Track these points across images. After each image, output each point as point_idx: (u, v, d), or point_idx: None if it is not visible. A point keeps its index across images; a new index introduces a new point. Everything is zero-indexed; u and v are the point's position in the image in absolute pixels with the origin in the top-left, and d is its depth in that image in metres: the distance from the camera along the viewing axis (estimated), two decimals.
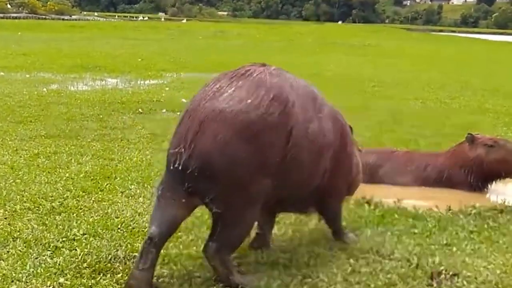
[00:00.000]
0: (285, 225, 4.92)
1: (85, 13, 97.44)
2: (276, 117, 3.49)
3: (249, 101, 3.45)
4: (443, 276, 4.05)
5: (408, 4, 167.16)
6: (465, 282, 3.99)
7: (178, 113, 10.18)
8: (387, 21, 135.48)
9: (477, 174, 6.43)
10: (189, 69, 18.44)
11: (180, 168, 3.41)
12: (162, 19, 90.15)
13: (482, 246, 4.69)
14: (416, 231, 4.95)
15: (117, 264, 4.03)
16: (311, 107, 3.80)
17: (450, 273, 4.09)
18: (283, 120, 3.53)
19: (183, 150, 3.41)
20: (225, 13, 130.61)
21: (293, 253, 4.32)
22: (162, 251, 4.06)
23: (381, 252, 4.43)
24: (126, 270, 3.92)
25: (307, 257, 4.27)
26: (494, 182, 6.55)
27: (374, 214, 5.33)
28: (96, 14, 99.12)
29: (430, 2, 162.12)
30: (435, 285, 3.97)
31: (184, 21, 78.39)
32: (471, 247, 4.64)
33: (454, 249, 4.59)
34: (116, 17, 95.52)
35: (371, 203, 5.65)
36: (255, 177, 3.49)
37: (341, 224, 4.67)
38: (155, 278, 3.79)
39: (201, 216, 4.95)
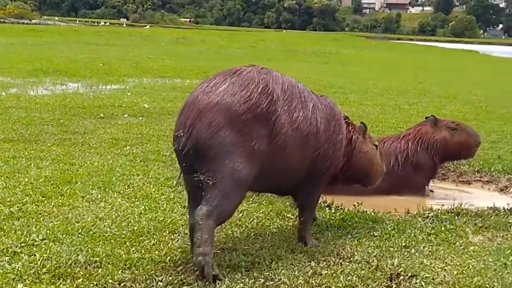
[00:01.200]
0: (247, 228, 4.96)
1: (45, 17, 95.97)
2: (263, 108, 4.01)
3: (241, 94, 3.97)
4: (401, 277, 4.13)
5: (368, 12, 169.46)
6: (423, 283, 4.07)
7: (140, 118, 10.27)
8: (347, 29, 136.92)
9: (441, 155, 6.72)
10: (151, 75, 18.35)
11: (179, 148, 3.91)
12: (124, 25, 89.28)
13: (439, 248, 4.80)
14: (375, 234, 5.04)
15: (78, 269, 3.99)
16: (296, 99, 4.29)
17: (409, 274, 4.17)
18: (269, 110, 4.04)
19: (182, 134, 3.92)
20: (187, 20, 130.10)
21: (255, 256, 4.35)
22: (123, 255, 4.04)
23: (341, 255, 4.50)
24: (87, 275, 3.89)
25: (269, 260, 4.30)
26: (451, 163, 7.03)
27: (335, 218, 5.41)
28: (56, 18, 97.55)
29: (388, 11, 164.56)
30: (394, 286, 4.04)
31: (148, 27, 77.73)
32: (429, 249, 4.75)
33: (413, 251, 4.69)
34: (77, 22, 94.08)
35: (332, 207, 5.73)
36: (243, 159, 3.93)
37: (311, 217, 4.86)
38: (116, 283, 3.78)
39: (163, 220, 4.97)
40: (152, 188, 5.97)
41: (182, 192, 5.87)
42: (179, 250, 4.37)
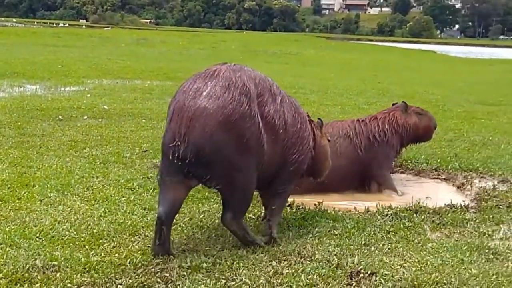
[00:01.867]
0: (209, 229, 4.95)
1: (2, 18, 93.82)
2: (245, 106, 4.24)
3: (224, 97, 4.19)
4: (361, 275, 4.18)
5: (327, 13, 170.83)
6: (382, 280, 4.13)
7: (100, 120, 10.14)
8: (307, 30, 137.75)
9: (411, 138, 7.21)
10: (111, 76, 18.14)
11: (180, 157, 4.11)
12: (83, 26, 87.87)
13: (398, 245, 4.88)
14: (336, 232, 5.09)
15: (35, 273, 3.92)
16: (267, 93, 4.53)
17: (368, 272, 4.23)
18: (250, 107, 4.28)
19: (179, 143, 4.11)
20: (148, 21, 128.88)
21: (216, 257, 4.35)
22: (82, 259, 4.00)
23: (302, 254, 4.53)
24: (45, 280, 3.83)
25: (231, 260, 4.31)
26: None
27: (296, 217, 5.44)
28: (14, 20, 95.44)
29: (348, 12, 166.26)
30: (354, 284, 4.09)
31: (109, 28, 76.69)
32: (388, 247, 4.82)
33: (372, 248, 4.75)
34: (35, 23, 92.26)
35: (293, 206, 5.77)
36: (241, 155, 4.24)
37: (281, 209, 5.09)
38: (75, 287, 3.74)
39: (123, 222, 4.92)
40: (112, 190, 5.91)
41: (143, 194, 5.85)
42: (139, 252, 4.34)
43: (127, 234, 4.70)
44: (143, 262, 4.19)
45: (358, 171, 6.83)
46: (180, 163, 4.14)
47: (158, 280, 3.94)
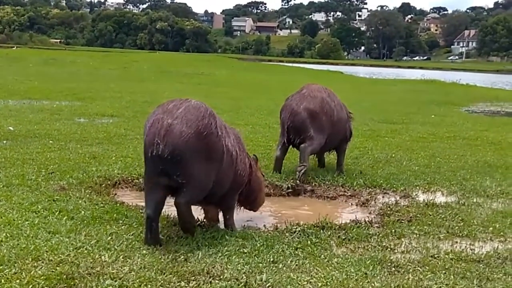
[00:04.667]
0: (116, 251, 4.86)
1: None
2: (213, 126, 5.20)
3: (198, 113, 5.14)
4: None
5: (239, 34, 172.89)
6: None
7: (5, 142, 9.75)
8: (219, 50, 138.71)
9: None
10: (18, 97, 17.54)
11: (158, 154, 4.94)
12: None
13: (305, 261, 4.99)
14: (245, 250, 5.14)
15: None
16: (224, 128, 5.55)
17: None
18: (216, 129, 5.23)
19: (159, 141, 4.94)
20: (58, 40, 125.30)
21: (123, 279, 4.28)
22: None
23: (211, 273, 4.54)
24: None
25: (138, 282, 4.26)
26: None
27: (205, 236, 5.45)
28: None
29: (259, 33, 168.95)
30: None
31: (16, 48, 73.82)
32: (296, 263, 4.92)
33: (280, 265, 4.84)
34: None
35: (204, 225, 5.78)
36: (206, 160, 5.14)
37: (232, 215, 6.03)
38: None
39: (26, 247, 4.75)
40: (15, 214, 5.68)
41: (48, 217, 5.68)
42: (42, 277, 4.18)
43: (30, 259, 4.52)
44: (46, 287, 4.06)
45: None
46: (156, 160, 4.94)
47: None
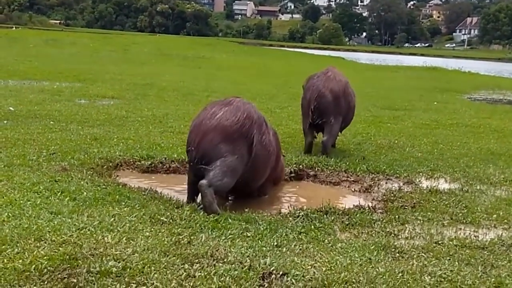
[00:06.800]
0: (119, 233, 4.82)
1: None
2: (246, 128, 5.91)
3: (231, 119, 5.87)
4: (273, 276, 4.21)
5: (240, 18, 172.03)
6: (293, 281, 4.18)
7: (5, 122, 9.69)
8: (220, 34, 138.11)
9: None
10: (18, 77, 17.48)
11: (192, 158, 5.85)
12: None
13: (309, 246, 4.96)
14: (249, 234, 5.10)
15: None
16: (264, 125, 6.23)
17: (280, 273, 4.26)
18: (250, 130, 5.93)
19: (192, 148, 5.83)
20: (57, 22, 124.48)
21: (127, 261, 4.24)
22: None
23: (215, 256, 4.50)
24: None
25: (142, 264, 4.21)
26: None
27: (209, 220, 5.40)
28: None
29: (260, 17, 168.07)
30: (266, 285, 4.11)
31: (16, 28, 73.37)
32: (300, 247, 4.89)
33: (284, 249, 4.80)
34: None
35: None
36: (235, 161, 5.83)
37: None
38: None
39: (28, 227, 4.72)
40: (17, 194, 5.64)
41: (50, 198, 5.63)
42: (45, 258, 4.14)
43: (32, 239, 4.49)
44: (49, 268, 4.02)
45: None
46: (191, 163, 5.88)
47: (65, 286, 3.79)
